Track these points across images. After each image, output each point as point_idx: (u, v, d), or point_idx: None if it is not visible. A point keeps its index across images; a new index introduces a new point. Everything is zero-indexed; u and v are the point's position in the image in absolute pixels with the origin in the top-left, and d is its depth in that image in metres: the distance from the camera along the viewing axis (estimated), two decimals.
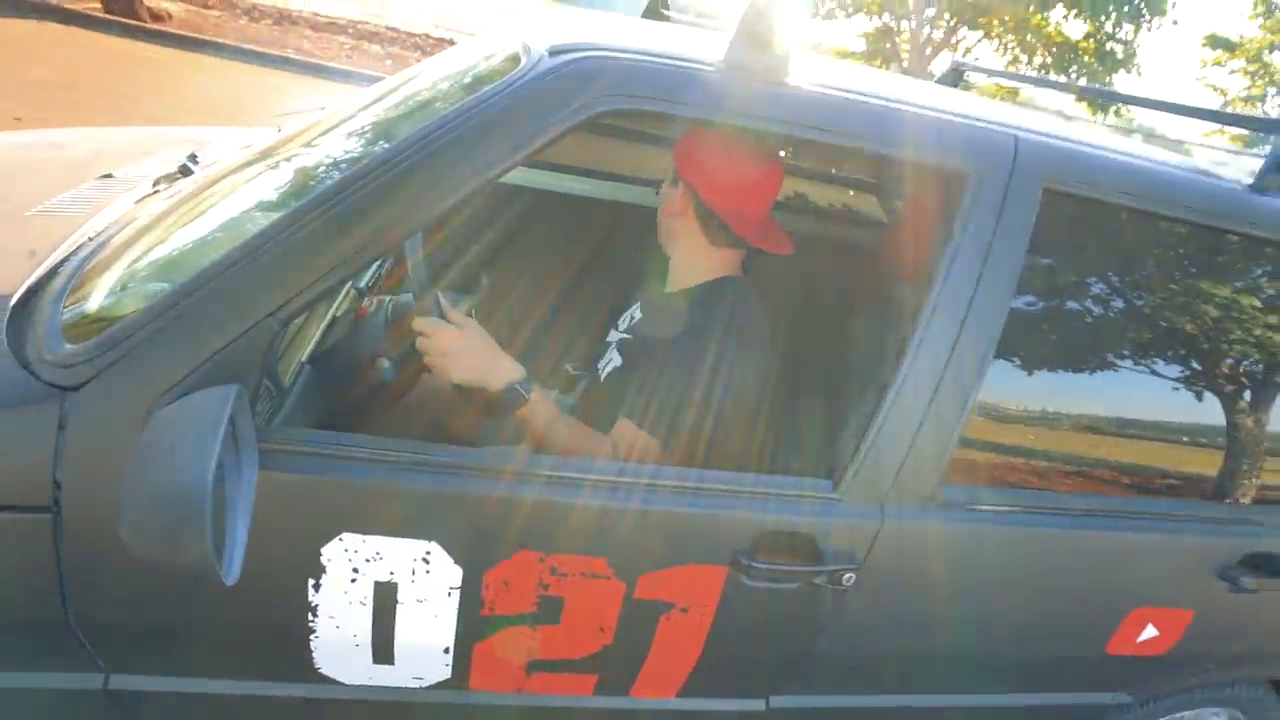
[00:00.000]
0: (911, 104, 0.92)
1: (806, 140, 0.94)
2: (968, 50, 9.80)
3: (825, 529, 0.93)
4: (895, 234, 1.30)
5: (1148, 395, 1.13)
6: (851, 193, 1.76)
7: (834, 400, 1.07)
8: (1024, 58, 9.37)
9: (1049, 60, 9.18)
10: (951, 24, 9.49)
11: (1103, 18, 8.94)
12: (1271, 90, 12.39)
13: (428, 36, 9.03)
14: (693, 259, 1.13)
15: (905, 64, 9.67)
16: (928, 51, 9.37)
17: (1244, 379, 1.17)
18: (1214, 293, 1.13)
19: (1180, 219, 1.00)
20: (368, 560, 0.83)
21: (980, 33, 9.49)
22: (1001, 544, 1.04)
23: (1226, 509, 1.18)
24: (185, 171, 1.27)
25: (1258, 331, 1.14)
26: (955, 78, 1.71)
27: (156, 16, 6.61)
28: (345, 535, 0.81)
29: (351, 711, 0.99)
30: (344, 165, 1.01)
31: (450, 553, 0.85)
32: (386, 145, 0.87)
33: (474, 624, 0.91)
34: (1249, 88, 12.66)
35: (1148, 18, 9.12)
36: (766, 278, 1.18)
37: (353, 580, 0.84)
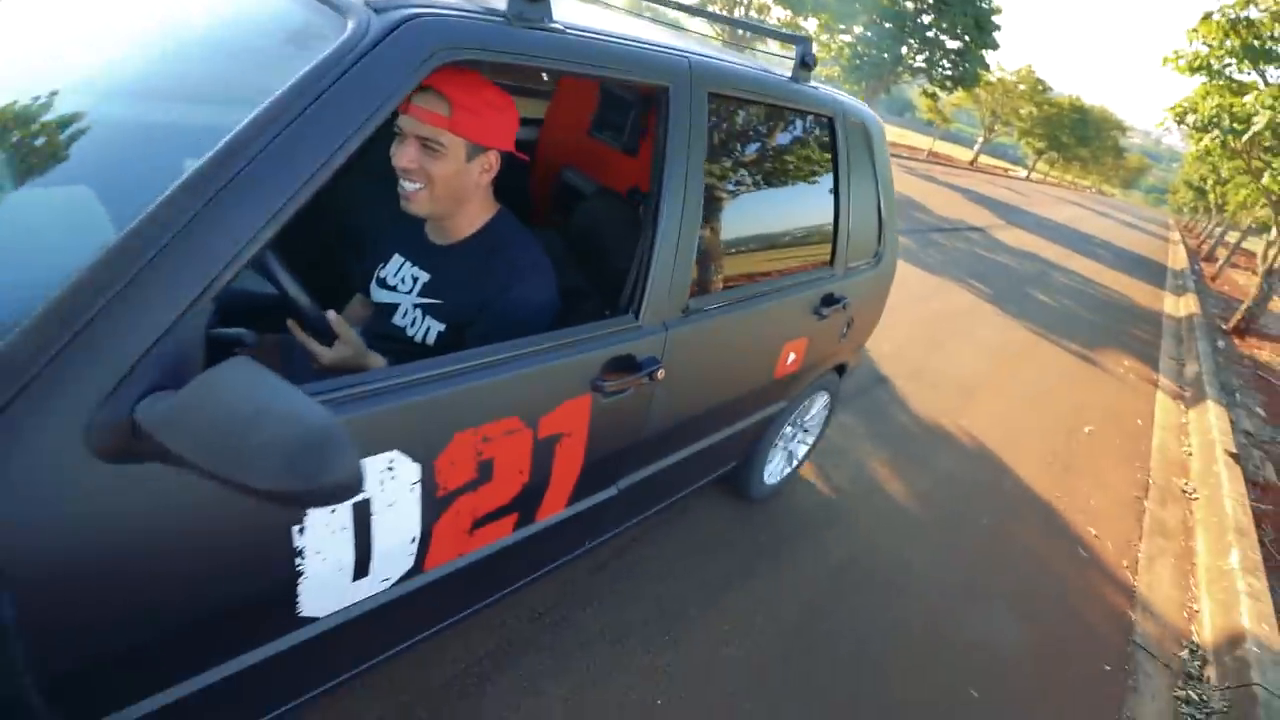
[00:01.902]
0: (630, 39, 1.21)
1: (563, 71, 1.16)
2: None
3: (638, 347, 1.29)
4: (629, 133, 1.86)
5: (770, 213, 1.77)
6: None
7: (619, 264, 1.38)
8: None
9: None
10: None
11: None
12: None
13: None
14: (468, 209, 1.23)
15: None
16: None
17: (812, 196, 1.88)
18: (785, 143, 1.77)
19: (762, 102, 1.57)
20: None
21: None
22: (721, 329, 1.53)
23: (813, 273, 1.87)
24: None
25: (809, 162, 1.85)
26: None
27: None
28: None
29: (327, 644, 1.05)
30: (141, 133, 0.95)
31: (408, 453, 0.98)
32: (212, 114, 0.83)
33: (433, 506, 1.06)
34: None
35: None
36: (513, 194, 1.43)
37: (332, 511, 0.92)
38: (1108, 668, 2.28)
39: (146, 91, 1.00)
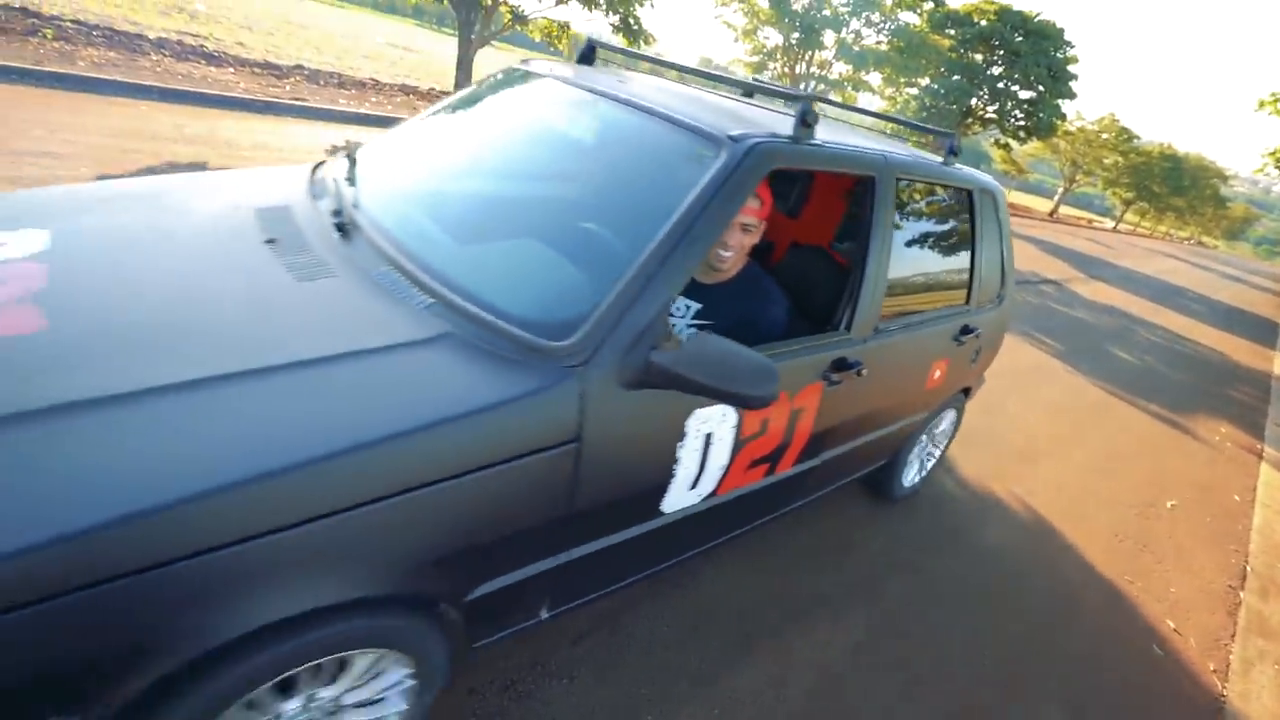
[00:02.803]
0: (856, 146, 1.81)
1: (818, 170, 1.74)
2: None
3: (849, 353, 1.81)
4: (794, 199, 2.35)
5: (927, 261, 2.25)
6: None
7: (831, 295, 1.93)
8: None
9: None
10: None
11: None
12: (759, 24, 15.47)
13: None
14: (741, 260, 1.78)
15: None
16: None
17: (956, 249, 2.41)
18: (939, 210, 2.31)
19: (927, 180, 2.14)
20: (703, 421, 1.46)
21: None
22: (894, 344, 2.04)
23: (955, 308, 2.41)
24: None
25: (954, 223, 2.39)
26: (589, 55, 2.32)
27: None
28: (696, 411, 1.43)
29: (661, 536, 1.60)
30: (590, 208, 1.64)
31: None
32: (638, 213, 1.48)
33: (737, 445, 1.59)
34: (746, 25, 15.66)
35: None
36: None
37: (695, 436, 1.46)
38: None
39: (597, 189, 1.69)
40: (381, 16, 45.05)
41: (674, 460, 1.45)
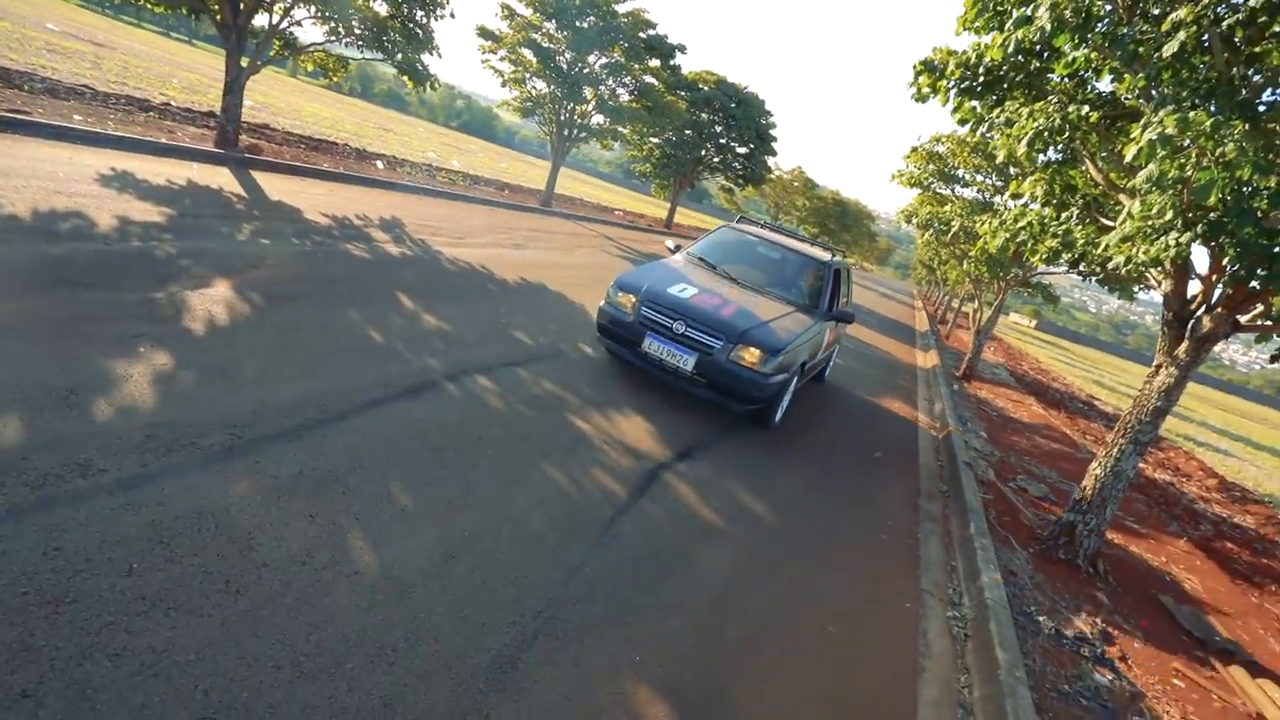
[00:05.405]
0: (844, 261, 7.14)
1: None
2: (288, 14, 9.52)
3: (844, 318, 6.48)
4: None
5: (841, 289, 6.87)
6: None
7: (833, 298, 6.50)
8: (343, 30, 9.82)
9: (366, 35, 9.91)
10: None
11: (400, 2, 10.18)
12: (526, 73, 16.53)
13: None
14: None
15: (220, 18, 8.75)
16: (241, 7, 8.68)
17: (846, 284, 7.24)
18: (843, 274, 6.96)
19: (845, 267, 7.02)
20: (828, 331, 6.31)
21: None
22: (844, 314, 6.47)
23: (846, 308, 7.09)
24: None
25: (847, 277, 7.23)
26: (740, 220, 7.26)
27: None
28: (827, 328, 6.07)
29: (813, 365, 6.11)
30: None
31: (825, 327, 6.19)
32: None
33: (824, 342, 6.20)
34: (512, 71, 16.61)
35: (433, 6, 10.87)
36: None
37: (824, 334, 6.08)
38: (908, 605, 3.35)
39: (794, 273, 6.28)
40: None
41: (824, 341, 6.01)
